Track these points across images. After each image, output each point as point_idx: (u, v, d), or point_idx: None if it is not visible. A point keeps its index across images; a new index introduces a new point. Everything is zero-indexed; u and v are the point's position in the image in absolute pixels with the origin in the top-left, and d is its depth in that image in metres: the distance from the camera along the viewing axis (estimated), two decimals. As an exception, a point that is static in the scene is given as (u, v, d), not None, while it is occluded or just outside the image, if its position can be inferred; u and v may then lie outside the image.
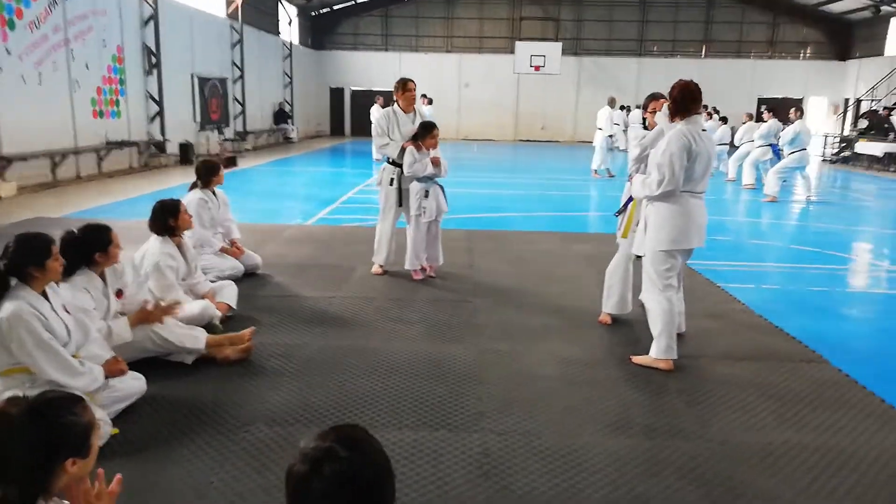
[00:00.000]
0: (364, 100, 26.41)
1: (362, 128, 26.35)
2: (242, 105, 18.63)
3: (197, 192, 5.50)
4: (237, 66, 18.31)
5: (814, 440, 3.07)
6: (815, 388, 3.64)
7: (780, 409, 3.37)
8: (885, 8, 22.32)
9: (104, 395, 3.08)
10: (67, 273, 3.31)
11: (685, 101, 3.98)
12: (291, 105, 23.01)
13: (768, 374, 3.83)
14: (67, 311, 3.03)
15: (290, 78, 22.91)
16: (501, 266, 6.25)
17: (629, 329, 4.59)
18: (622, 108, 22.74)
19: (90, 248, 3.44)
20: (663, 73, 25.74)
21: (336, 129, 27.04)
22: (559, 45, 24.31)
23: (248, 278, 5.49)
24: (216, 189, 5.67)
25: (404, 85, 5.70)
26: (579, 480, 2.70)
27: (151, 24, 13.72)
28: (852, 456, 2.93)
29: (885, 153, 16.78)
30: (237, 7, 17.76)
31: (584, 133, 25.66)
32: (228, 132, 17.60)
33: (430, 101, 16.38)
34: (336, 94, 26.84)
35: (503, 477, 2.72)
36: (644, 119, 4.95)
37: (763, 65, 25.78)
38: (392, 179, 5.74)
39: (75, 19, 11.42)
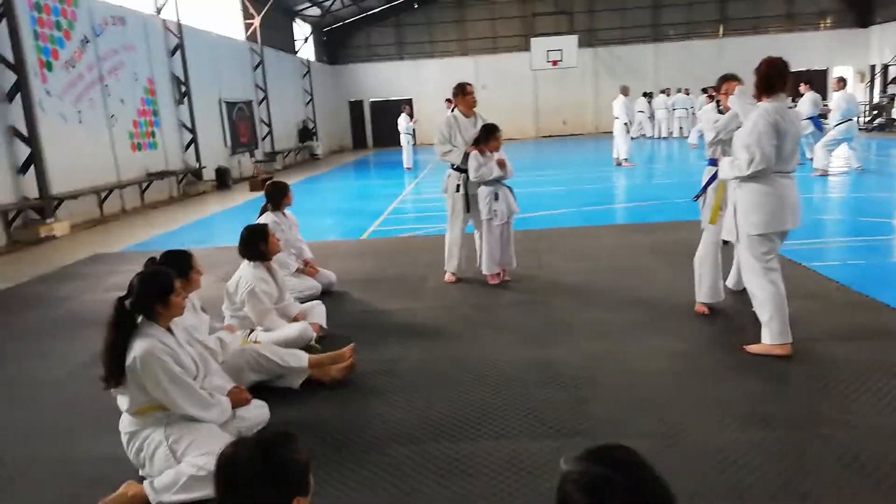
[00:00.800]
0: (384, 110, 26.57)
1: (384, 139, 26.49)
2: (269, 126, 18.77)
3: (269, 215, 5.51)
4: (260, 88, 18.45)
5: (965, 418, 2.96)
6: (944, 364, 3.52)
7: (916, 388, 3.26)
8: (906, -31, 21.85)
9: (233, 426, 3.06)
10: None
11: (771, 78, 3.86)
12: (314, 122, 23.15)
13: (889, 352, 3.71)
14: (190, 344, 3.03)
15: (311, 95, 23.05)
16: (570, 263, 6.18)
17: (726, 317, 4.50)
18: (644, 94, 22.55)
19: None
20: (681, 56, 25.54)
21: (358, 142, 27.14)
22: (574, 37, 24.15)
23: (325, 296, 5.47)
24: (286, 210, 5.68)
25: (463, 89, 5.66)
26: (739, 480, 2.61)
27: (178, 53, 13.86)
28: None
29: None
30: (255, 29, 17.90)
31: (606, 124, 25.37)
32: (258, 154, 17.73)
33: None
34: (355, 107, 26.96)
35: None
36: (717, 102, 4.85)
37: (783, 39, 25.32)
38: (458, 186, 5.69)
39: (107, 55, 11.57)
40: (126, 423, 2.92)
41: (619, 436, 3.00)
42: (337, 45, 26.67)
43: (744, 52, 25.07)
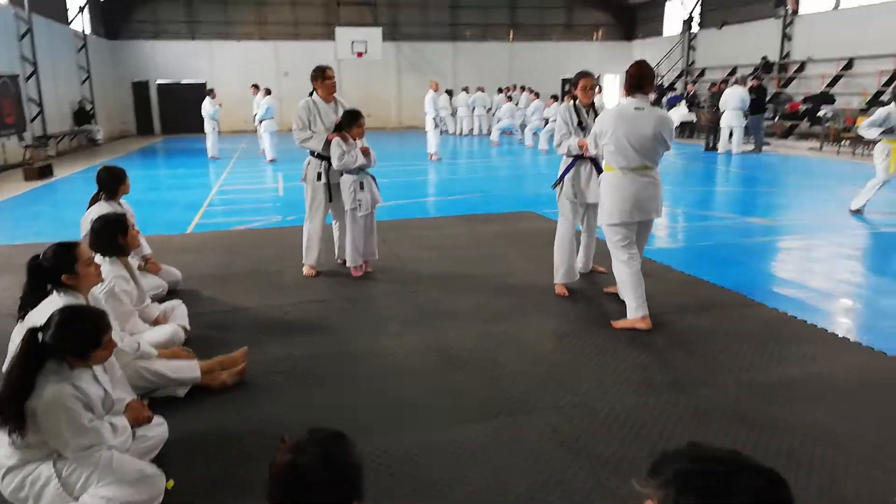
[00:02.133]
0: (174, 93, 24.46)
1: (175, 124, 24.43)
2: (40, 105, 16.30)
3: (103, 206, 4.83)
4: (28, 62, 15.95)
5: (801, 371, 3.57)
6: (769, 328, 4.21)
7: (759, 349, 3.85)
8: (661, -6, 25.28)
9: (136, 448, 2.67)
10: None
11: (642, 78, 4.21)
12: (92, 103, 20.56)
13: (727, 321, 4.34)
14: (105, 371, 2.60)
15: (88, 73, 20.43)
16: (427, 253, 6.28)
17: (585, 297, 4.91)
18: (446, 91, 23.46)
19: (57, 272, 2.94)
20: (477, 56, 26.99)
21: (144, 128, 24.66)
22: (379, 30, 24.28)
23: (172, 295, 4.94)
24: (122, 200, 5.03)
25: (323, 73, 5.44)
26: (653, 441, 2.90)
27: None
28: (834, 378, 3.47)
29: (681, 122, 19.13)
30: (21, -8, 15.42)
31: (409, 119, 26.10)
32: (27, 137, 15.34)
33: (269, 92, 15.53)
34: (139, 88, 24.44)
35: (583, 447, 2.83)
36: (574, 97, 5.08)
37: (563, 47, 27.96)
38: (319, 174, 5.48)
39: None
40: (2, 456, 2.40)
41: (537, 410, 3.18)
42: (117, 17, 23.92)
43: (531, 56, 27.34)
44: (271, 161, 14.86)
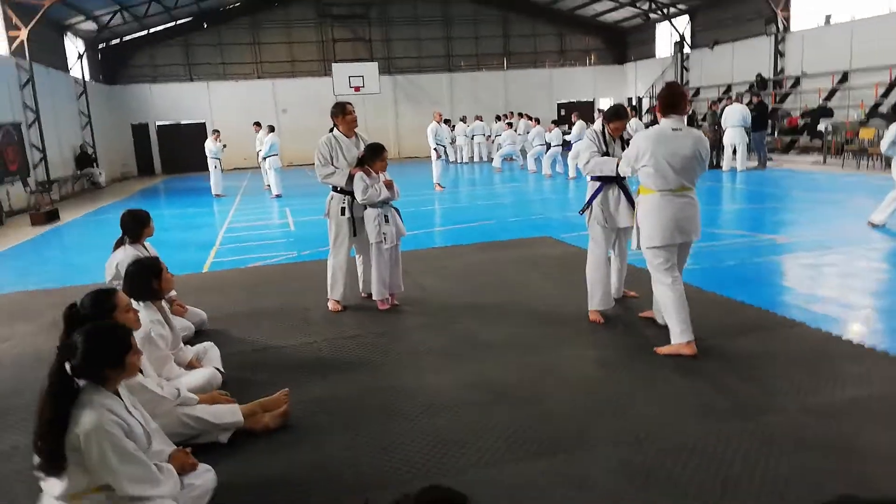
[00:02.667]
0: (173, 134, 24.58)
1: (175, 164, 24.52)
2: (42, 151, 16.32)
3: (128, 250, 4.79)
4: (30, 109, 16.01)
5: (862, 393, 3.46)
6: (817, 349, 4.11)
7: (813, 371, 3.75)
8: (652, 15, 25.65)
9: (184, 496, 2.56)
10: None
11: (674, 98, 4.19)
12: (93, 147, 20.62)
13: (772, 343, 4.24)
14: (135, 406, 2.49)
15: (88, 117, 20.53)
16: (452, 283, 6.19)
17: (623, 323, 4.81)
18: (445, 121, 23.60)
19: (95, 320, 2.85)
20: (472, 86, 27.24)
21: (144, 168, 24.74)
22: (375, 64, 24.58)
23: (200, 336, 4.84)
24: (146, 243, 4.96)
25: (343, 109, 5.41)
26: (724, 471, 2.78)
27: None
28: (900, 395, 3.37)
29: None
30: (22, 42, 15.54)
31: (408, 149, 26.23)
32: (31, 183, 15.32)
33: (272, 129, 15.58)
34: (139, 130, 24.58)
35: (655, 481, 2.72)
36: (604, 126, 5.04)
37: (557, 72, 28.26)
38: (343, 209, 5.41)
39: None
40: (56, 517, 2.29)
41: (598, 445, 3.05)
42: (116, 63, 24.17)
43: (525, 83, 27.60)
44: (277, 196, 14.84)
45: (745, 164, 15.10)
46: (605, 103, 28.21)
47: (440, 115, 15.77)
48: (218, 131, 16.12)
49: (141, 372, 2.87)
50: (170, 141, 24.69)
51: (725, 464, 2.82)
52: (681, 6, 24.25)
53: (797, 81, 19.96)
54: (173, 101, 24.53)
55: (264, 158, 15.38)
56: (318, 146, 5.42)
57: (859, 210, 8.43)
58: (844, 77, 18.14)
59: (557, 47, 28.48)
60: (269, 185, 16.16)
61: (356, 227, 5.42)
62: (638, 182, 4.35)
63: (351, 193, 5.33)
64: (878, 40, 16.88)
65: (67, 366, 2.27)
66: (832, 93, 18.34)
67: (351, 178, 5.27)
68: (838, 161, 15.47)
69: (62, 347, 2.35)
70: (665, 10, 24.63)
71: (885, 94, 16.42)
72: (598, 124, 5.01)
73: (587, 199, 4.99)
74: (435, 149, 14.99)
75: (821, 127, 16.98)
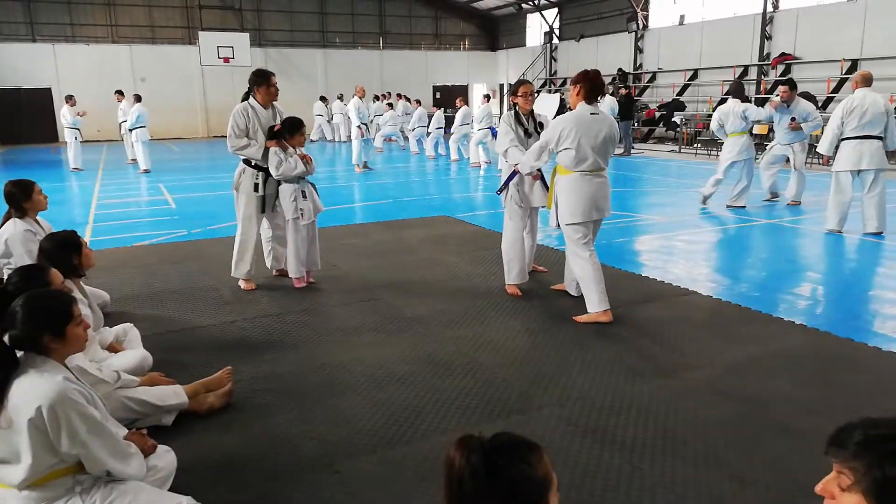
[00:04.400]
0: (14, 101, 22.02)
1: (15, 134, 22.01)
2: None
3: (19, 224, 4.33)
4: None
5: (758, 349, 3.96)
6: (714, 314, 4.61)
7: (715, 333, 4.22)
8: (524, 5, 26.56)
9: (148, 479, 2.44)
10: None
11: (596, 88, 4.46)
12: (-86, 110, 18.02)
13: (673, 309, 4.70)
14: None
15: None
16: (364, 261, 6.19)
17: (539, 296, 5.08)
18: (321, 98, 23.08)
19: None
20: (348, 64, 26.80)
21: (-23, 138, 21.98)
22: (246, 35, 23.45)
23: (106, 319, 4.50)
24: (39, 217, 4.51)
25: (268, 79, 5.17)
26: (665, 422, 3.09)
27: None
28: (794, 353, 3.89)
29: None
30: None
31: (281, 125, 25.34)
32: None
33: (139, 98, 14.42)
34: (-30, 94, 21.77)
35: (604, 436, 2.97)
36: (515, 104, 5.22)
37: (433, 55, 28.54)
38: (256, 185, 5.22)
39: None
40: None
41: (545, 406, 3.27)
42: (-61, 15, 21.17)
43: (401, 64, 27.61)
44: (145, 171, 13.86)
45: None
46: (478, 88, 28.95)
47: (363, 90, 14.75)
48: (72, 96, 14.67)
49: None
50: (8, 108, 22.09)
51: (661, 417, 3.14)
52: (550, -2, 25.33)
53: (654, 76, 21.62)
54: (13, 63, 21.93)
55: (130, 130, 14.27)
56: (233, 114, 5.16)
57: (720, 194, 9.38)
58: (695, 74, 19.91)
59: (433, 30, 28.72)
60: (133, 159, 15.05)
61: (266, 202, 5.26)
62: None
63: (265, 169, 5.16)
64: (725, 41, 18.71)
65: (6, 337, 2.09)
66: (684, 88, 20.08)
67: (266, 151, 5.10)
68: (691, 150, 17.02)
69: (6, 317, 2.15)
70: (536, 2, 25.60)
71: (729, 91, 18.24)
72: (512, 110, 5.19)
73: (503, 180, 5.18)
74: (358, 126, 14.01)
75: (675, 119, 18.57)
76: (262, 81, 5.13)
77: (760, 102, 9.05)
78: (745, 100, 8.93)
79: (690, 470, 2.70)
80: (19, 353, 2.15)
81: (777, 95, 9.06)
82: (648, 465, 2.74)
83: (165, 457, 2.59)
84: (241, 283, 5.33)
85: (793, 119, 8.65)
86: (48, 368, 2.12)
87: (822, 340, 4.12)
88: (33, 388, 2.05)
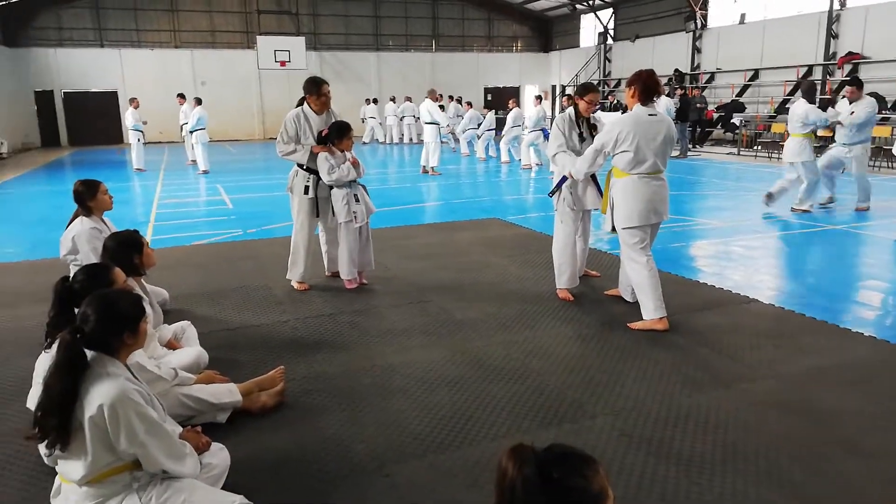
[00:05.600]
0: (82, 103, 23.02)
1: (83, 136, 23.04)
2: (-64, 116, 14.91)
3: (86, 222, 4.49)
4: (-78, 68, 14.57)
5: (824, 361, 3.78)
6: (776, 323, 4.43)
7: (777, 343, 4.05)
8: (578, 6, 26.25)
9: (202, 477, 2.48)
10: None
11: (650, 87, 4.33)
12: (-8, 114, 19.04)
13: (733, 317, 4.54)
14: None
15: (-14, 81, 18.91)
16: (415, 263, 6.20)
17: (592, 300, 4.98)
18: (372, 101, 23.31)
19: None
20: (400, 66, 27.01)
21: (49, 140, 23.06)
22: (302, 39, 23.91)
23: (166, 316, 4.63)
24: (105, 217, 4.67)
25: (319, 88, 5.22)
26: (723, 438, 2.98)
27: None
28: (862, 366, 3.70)
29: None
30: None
31: (334, 128, 25.68)
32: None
33: (199, 102, 14.87)
34: (44, 98, 22.85)
35: (659, 448, 2.87)
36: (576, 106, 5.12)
37: (485, 57, 28.50)
38: (307, 188, 5.28)
39: None
40: (79, 498, 2.17)
41: (598, 416, 3.18)
42: (16, 23, 22.28)
43: (453, 67, 27.65)
44: (204, 172, 14.26)
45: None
46: (530, 90, 28.75)
47: (435, 93, 14.73)
48: (136, 99, 15.20)
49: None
50: (77, 111, 23.12)
51: (721, 430, 3.02)
52: (605, -2, 24.95)
53: (712, 77, 21.04)
54: (81, 67, 22.95)
55: (191, 132, 14.72)
56: (284, 120, 5.26)
57: (783, 200, 9.04)
58: (756, 74, 19.29)
59: (485, 32, 28.67)
60: (193, 160, 15.51)
61: (320, 206, 5.32)
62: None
63: (316, 172, 5.22)
64: (788, 40, 18.05)
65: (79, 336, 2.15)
66: (744, 89, 19.47)
67: (314, 156, 5.16)
68: (751, 153, 16.48)
69: (79, 317, 2.22)
70: (590, 2, 25.27)
71: (792, 93, 17.59)
72: (569, 110, 5.10)
73: (555, 182, 5.10)
74: (446, 127, 13.84)
75: (734, 120, 18.02)
76: (313, 89, 5.20)
77: (824, 105, 8.60)
78: (813, 102, 8.56)
79: (752, 488, 2.58)
80: (89, 353, 2.21)
81: (843, 96, 8.69)
82: (707, 481, 2.64)
83: (219, 454, 2.64)
84: (294, 285, 5.41)
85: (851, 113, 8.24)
86: (113, 370, 2.17)
87: (892, 353, 3.90)
88: (98, 388, 2.11)
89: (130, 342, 2.24)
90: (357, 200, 5.22)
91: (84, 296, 2.65)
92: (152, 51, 23.90)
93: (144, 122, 14.85)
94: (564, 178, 5.02)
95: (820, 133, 10.18)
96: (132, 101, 14.98)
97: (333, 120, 5.32)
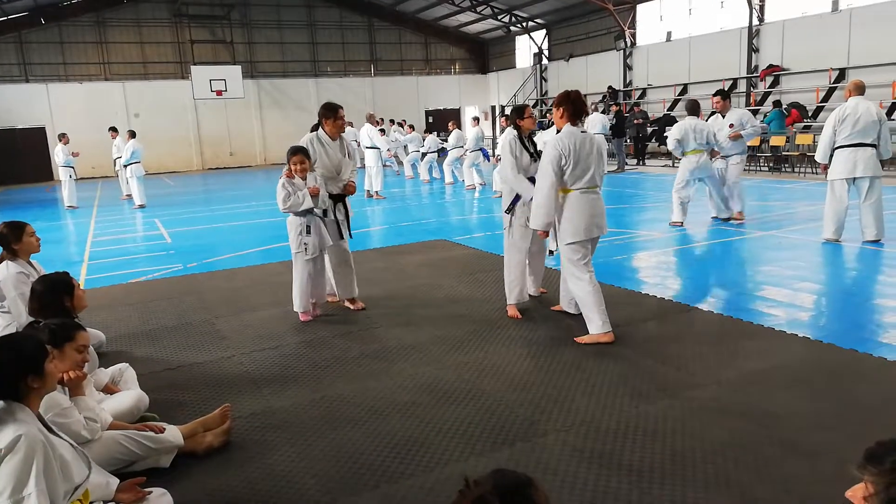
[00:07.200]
0: (7, 141, 22.11)
1: (11, 174, 22.07)
2: None
3: (12, 266, 4.30)
4: None
5: (763, 364, 3.91)
6: (717, 329, 4.56)
7: (719, 348, 4.17)
8: (512, 28, 26.84)
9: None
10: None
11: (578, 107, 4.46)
12: None
13: (675, 326, 4.66)
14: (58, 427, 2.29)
15: None
16: (362, 289, 6.05)
17: (538, 317, 5.03)
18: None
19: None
20: (339, 91, 26.96)
21: (-29, 179, 22.02)
22: (238, 67, 23.66)
23: (101, 359, 4.44)
24: (32, 260, 4.47)
25: (336, 112, 5.25)
26: (672, 444, 3.03)
27: None
28: (798, 367, 3.84)
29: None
30: None
31: (274, 156, 25.44)
32: None
33: (133, 135, 14.46)
34: (-36, 136, 21.85)
35: (611, 461, 2.90)
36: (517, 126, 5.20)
37: (424, 80, 28.78)
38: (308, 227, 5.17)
39: None
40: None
41: (549, 433, 3.20)
42: (-68, 59, 21.34)
43: (393, 90, 27.81)
44: (140, 206, 13.86)
45: (607, 168, 16.26)
46: (470, 111, 29.12)
47: (372, 117, 14.95)
48: (66, 135, 14.70)
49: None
50: (3, 148, 22.18)
51: (668, 439, 3.08)
52: (539, 20, 25.60)
53: (644, 93, 21.78)
54: (6, 103, 22.08)
55: (125, 166, 14.30)
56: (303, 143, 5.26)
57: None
58: (684, 89, 20.06)
59: (423, 56, 28.99)
60: (128, 195, 15.06)
61: (341, 229, 5.39)
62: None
63: (334, 196, 5.31)
64: (713, 55, 18.88)
65: None
66: (675, 103, 20.21)
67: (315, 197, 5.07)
68: (685, 164, 17.03)
69: None
70: (524, 24, 25.89)
71: (671, 108, 18.35)
72: (513, 132, 5.16)
73: (509, 200, 5.13)
74: (388, 152, 14.09)
75: (667, 133, 18.62)
76: (329, 114, 5.21)
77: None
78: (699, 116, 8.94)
79: (701, 493, 2.64)
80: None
81: (714, 110, 9.08)
82: (658, 490, 2.68)
83: (161, 500, 2.54)
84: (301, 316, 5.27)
85: (731, 126, 8.64)
86: (21, 416, 2.06)
87: (826, 353, 4.07)
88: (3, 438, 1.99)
89: (37, 385, 2.12)
90: (309, 232, 5.11)
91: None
92: (81, 84, 23.23)
93: (75, 154, 14.33)
94: (518, 196, 5.08)
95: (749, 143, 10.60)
96: (62, 136, 14.48)
97: (345, 145, 5.34)
